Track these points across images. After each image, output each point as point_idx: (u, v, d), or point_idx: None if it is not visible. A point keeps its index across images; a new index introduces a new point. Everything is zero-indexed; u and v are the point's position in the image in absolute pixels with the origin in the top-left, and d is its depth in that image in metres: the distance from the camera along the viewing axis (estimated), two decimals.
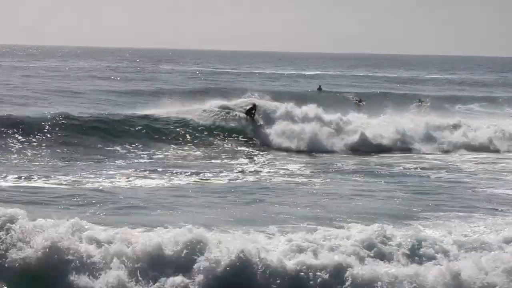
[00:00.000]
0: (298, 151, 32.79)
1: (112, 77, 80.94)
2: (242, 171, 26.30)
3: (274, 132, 34.53)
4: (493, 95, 65.78)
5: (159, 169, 25.98)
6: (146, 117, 35.73)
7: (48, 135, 31.25)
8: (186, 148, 32.35)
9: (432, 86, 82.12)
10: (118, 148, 30.80)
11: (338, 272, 13.34)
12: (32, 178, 22.91)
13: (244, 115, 36.15)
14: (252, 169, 26.96)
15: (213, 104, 37.85)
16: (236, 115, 36.42)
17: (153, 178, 24.05)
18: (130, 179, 23.71)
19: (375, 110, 44.63)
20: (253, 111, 36.13)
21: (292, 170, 26.92)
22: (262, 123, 35.55)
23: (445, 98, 60.64)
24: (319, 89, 61.60)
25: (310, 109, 37.40)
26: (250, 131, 35.35)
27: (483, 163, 30.82)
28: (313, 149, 33.00)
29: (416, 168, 28.43)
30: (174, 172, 25.39)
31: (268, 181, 24.37)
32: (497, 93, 70.78)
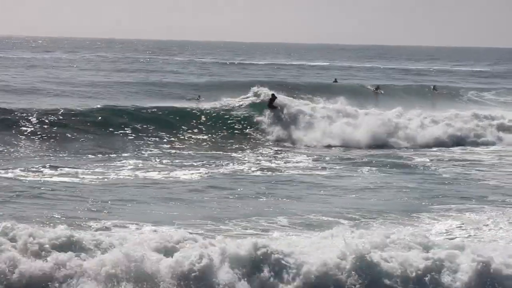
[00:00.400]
0: (311, 146, 32.60)
1: (123, 68, 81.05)
2: (250, 164, 26.31)
3: (292, 127, 34.26)
4: (506, 86, 65.61)
5: (169, 162, 26.05)
6: (156, 108, 35.49)
7: (57, 128, 31.06)
8: (198, 140, 32.03)
9: (443, 77, 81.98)
10: (128, 140, 30.69)
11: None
12: (42, 171, 22.91)
13: (268, 107, 35.33)
14: (262, 162, 26.95)
15: (228, 96, 37.68)
16: (248, 107, 36.07)
17: (161, 171, 24.02)
18: (139, 172, 23.72)
19: (392, 100, 44.82)
20: (275, 100, 35.35)
21: (301, 164, 26.85)
22: (282, 117, 34.98)
23: (458, 87, 60.99)
24: (335, 81, 61.85)
25: (337, 105, 37.01)
26: (264, 124, 34.72)
27: (493, 155, 30.93)
28: (343, 144, 32.80)
29: (427, 161, 28.35)
30: (183, 164, 25.45)
31: (275, 174, 24.37)
32: (506, 84, 70.61)
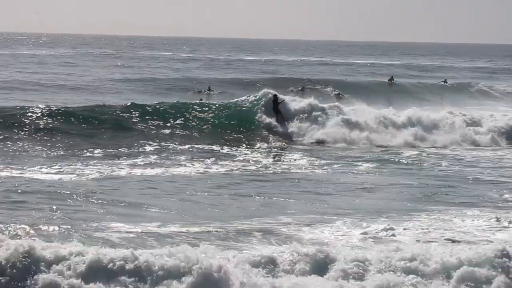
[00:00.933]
0: (312, 144, 32.26)
1: (126, 64, 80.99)
2: (250, 162, 26.25)
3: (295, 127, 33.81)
4: None
5: (167, 159, 26.07)
6: (158, 105, 34.91)
7: (58, 125, 30.78)
8: (197, 137, 31.57)
9: (448, 73, 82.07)
10: (127, 138, 30.21)
11: None
12: (42, 169, 22.90)
13: (272, 110, 34.38)
14: (262, 161, 26.85)
15: (232, 93, 37.19)
16: (251, 106, 35.45)
17: (159, 169, 23.96)
18: (138, 169, 23.69)
19: (405, 95, 44.90)
20: (278, 99, 34.50)
21: (300, 162, 26.66)
22: (284, 116, 34.17)
23: (466, 82, 61.28)
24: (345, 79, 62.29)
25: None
26: (266, 123, 33.97)
27: (494, 153, 30.82)
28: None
29: (427, 160, 28.15)
30: (180, 162, 25.47)
31: (275, 173, 24.25)
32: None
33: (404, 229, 16.21)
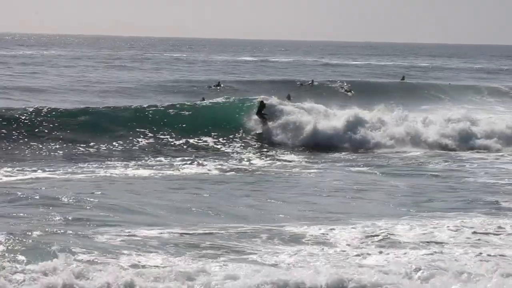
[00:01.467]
0: (301, 147, 31.88)
1: (127, 66, 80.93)
2: (241, 164, 26.29)
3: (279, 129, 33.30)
4: None
5: (161, 160, 26.16)
6: (154, 106, 34.84)
7: (69, 127, 30.69)
8: (188, 137, 31.31)
9: (452, 73, 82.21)
10: (120, 138, 30.13)
11: None
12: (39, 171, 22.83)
13: (256, 115, 33.61)
14: (253, 163, 26.81)
15: (231, 93, 36.91)
16: (245, 108, 35.13)
17: (153, 169, 24.04)
18: (130, 170, 23.74)
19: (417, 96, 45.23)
20: (264, 113, 33.53)
21: (289, 164, 26.58)
22: (274, 121, 33.57)
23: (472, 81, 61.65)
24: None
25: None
26: (256, 126, 33.35)
27: (490, 154, 30.69)
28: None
29: (419, 161, 28.06)
30: (178, 163, 25.51)
31: (265, 174, 24.19)
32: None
33: (404, 230, 16.13)
